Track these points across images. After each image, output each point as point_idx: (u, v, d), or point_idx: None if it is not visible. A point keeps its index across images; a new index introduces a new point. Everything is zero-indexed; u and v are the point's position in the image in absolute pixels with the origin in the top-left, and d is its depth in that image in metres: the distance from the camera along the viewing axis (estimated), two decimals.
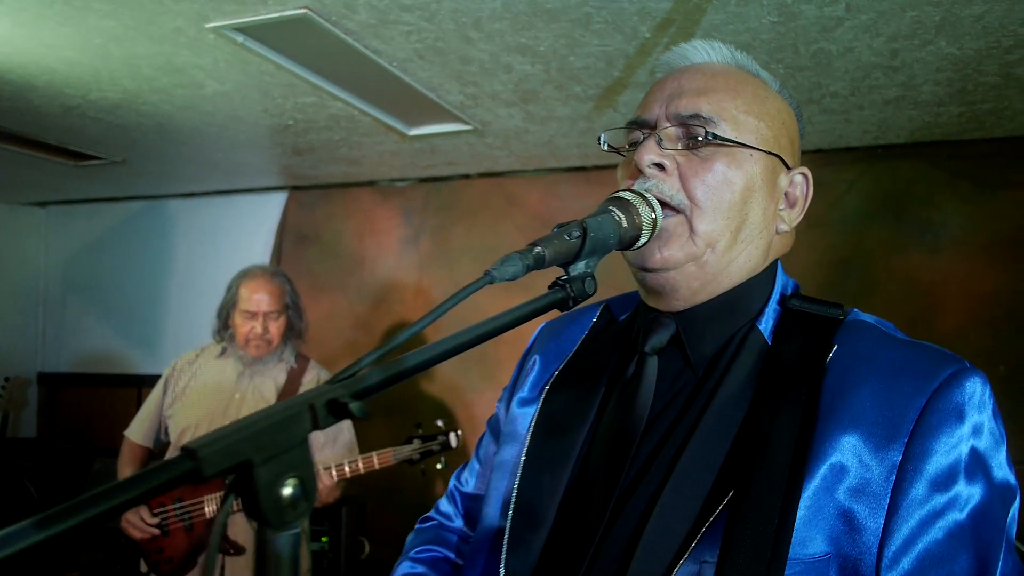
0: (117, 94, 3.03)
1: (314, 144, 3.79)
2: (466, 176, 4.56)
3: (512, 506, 1.07)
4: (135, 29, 2.43)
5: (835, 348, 0.98)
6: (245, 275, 3.21)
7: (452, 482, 1.37)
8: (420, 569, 1.25)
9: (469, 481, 1.33)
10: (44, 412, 5.78)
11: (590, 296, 0.86)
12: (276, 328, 3.15)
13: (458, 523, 1.33)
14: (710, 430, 0.96)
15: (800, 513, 0.87)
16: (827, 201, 3.87)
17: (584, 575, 0.96)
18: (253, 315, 3.11)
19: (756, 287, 1.08)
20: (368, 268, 4.85)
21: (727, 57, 1.10)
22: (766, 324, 1.05)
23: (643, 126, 1.09)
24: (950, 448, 0.88)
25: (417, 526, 1.36)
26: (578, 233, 0.87)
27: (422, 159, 4.13)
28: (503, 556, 1.04)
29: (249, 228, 5.16)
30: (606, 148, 1.16)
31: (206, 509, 2.97)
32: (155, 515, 3.00)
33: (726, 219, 1.03)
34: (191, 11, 2.30)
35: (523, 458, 1.10)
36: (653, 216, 0.98)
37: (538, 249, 0.83)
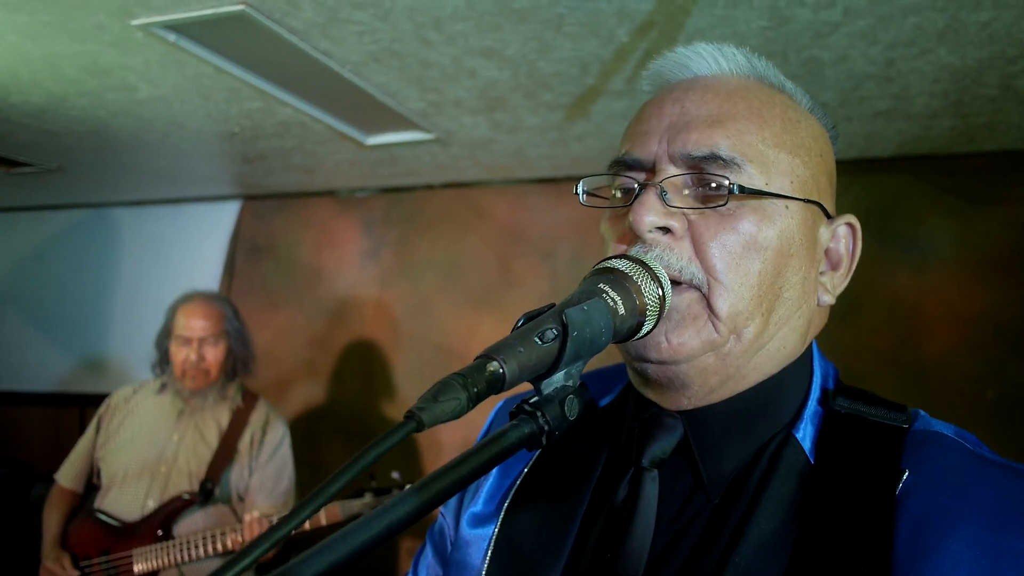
0: (41, 97, 2.75)
1: (264, 152, 3.52)
2: (429, 186, 4.30)
3: None
4: (52, 25, 2.16)
5: (906, 475, 0.72)
6: (182, 300, 2.94)
7: None
8: None
9: None
10: None
11: (572, 422, 0.61)
12: (213, 356, 2.86)
13: None
14: None
15: None
16: None
17: None
18: (187, 341, 2.83)
19: (790, 381, 0.82)
20: (326, 282, 4.58)
21: (743, 66, 0.83)
22: (805, 433, 0.79)
23: (636, 168, 0.82)
24: None
25: None
26: (555, 333, 0.60)
27: (382, 169, 3.88)
28: None
29: (200, 239, 4.86)
30: (584, 200, 0.87)
31: (135, 565, 2.68)
32: (80, 568, 2.71)
33: (755, 297, 0.77)
34: (113, 6, 2.04)
35: None
36: (660, 293, 0.72)
37: (494, 365, 0.56)
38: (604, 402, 0.96)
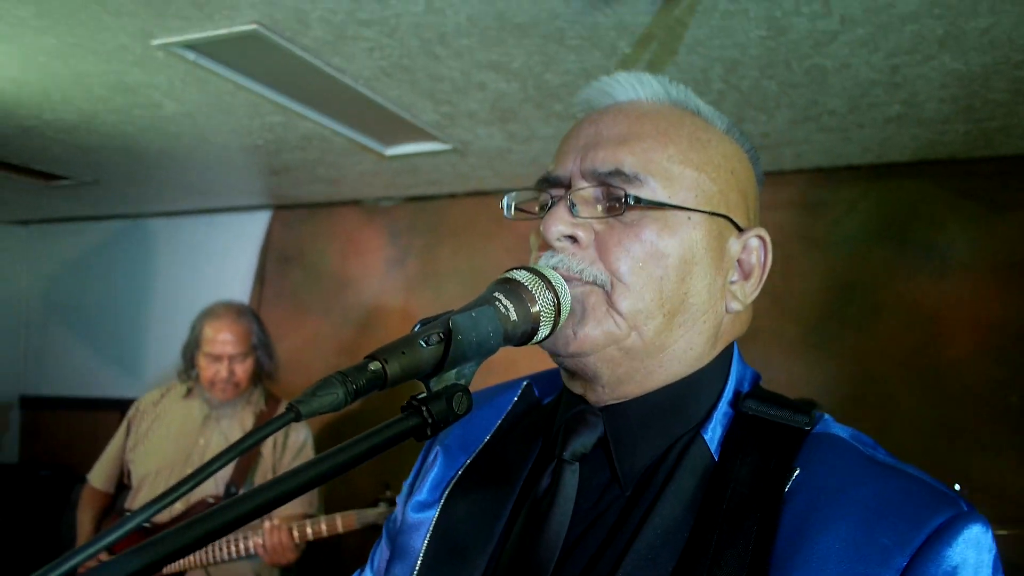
0: (72, 114, 2.88)
1: (289, 164, 3.63)
2: (452, 195, 4.38)
3: None
4: (77, 46, 2.27)
5: (796, 472, 0.77)
6: (209, 314, 3.03)
7: None
8: None
9: None
10: (26, 437, 5.61)
11: (462, 416, 0.67)
12: (243, 370, 2.96)
13: None
14: (635, 574, 0.76)
15: None
16: (827, 222, 3.68)
17: None
18: (217, 358, 2.93)
19: (704, 382, 0.88)
20: (353, 290, 4.68)
21: (658, 92, 0.90)
22: (713, 433, 0.84)
23: (555, 184, 0.90)
24: None
25: None
26: (439, 337, 0.67)
27: (404, 178, 3.97)
28: None
29: (232, 248, 4.99)
30: (512, 215, 0.97)
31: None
32: None
33: (656, 299, 0.83)
34: (134, 27, 2.14)
35: None
36: (556, 301, 0.79)
37: (375, 365, 0.62)
38: (547, 400, 1.03)
